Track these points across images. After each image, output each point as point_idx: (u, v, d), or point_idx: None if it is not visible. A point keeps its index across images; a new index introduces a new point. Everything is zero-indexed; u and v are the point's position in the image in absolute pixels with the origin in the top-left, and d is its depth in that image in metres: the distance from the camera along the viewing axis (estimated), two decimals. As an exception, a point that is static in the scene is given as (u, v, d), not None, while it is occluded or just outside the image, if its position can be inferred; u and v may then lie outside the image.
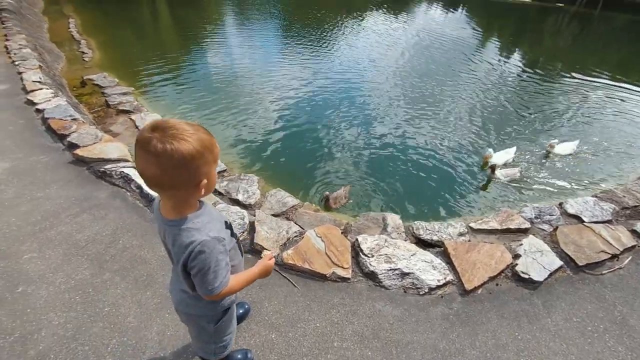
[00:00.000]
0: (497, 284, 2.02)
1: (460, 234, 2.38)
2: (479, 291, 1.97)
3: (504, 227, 2.45)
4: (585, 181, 3.75)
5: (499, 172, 3.62)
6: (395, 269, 2.00)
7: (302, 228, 2.36)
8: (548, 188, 3.60)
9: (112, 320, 1.66)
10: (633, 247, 2.28)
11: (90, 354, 1.51)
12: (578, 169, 3.95)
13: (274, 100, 5.26)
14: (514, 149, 4.04)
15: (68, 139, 3.05)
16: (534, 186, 3.61)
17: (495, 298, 1.94)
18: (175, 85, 5.52)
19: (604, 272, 2.11)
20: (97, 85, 4.86)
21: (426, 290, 1.94)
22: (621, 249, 2.23)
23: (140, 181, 2.57)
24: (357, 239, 2.19)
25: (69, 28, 7.83)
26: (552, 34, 13.49)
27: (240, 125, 4.44)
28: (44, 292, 1.76)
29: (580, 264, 2.11)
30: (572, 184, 3.69)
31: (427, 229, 2.40)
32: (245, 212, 2.39)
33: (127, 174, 2.65)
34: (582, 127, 5.09)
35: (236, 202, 2.60)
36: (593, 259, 2.15)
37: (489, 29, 13.09)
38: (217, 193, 2.67)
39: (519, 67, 8.00)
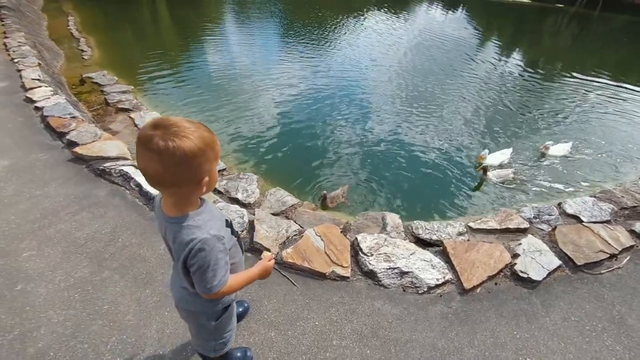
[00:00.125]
0: (496, 283, 2.03)
1: (460, 234, 2.38)
2: (478, 290, 1.98)
3: (503, 227, 2.46)
4: (581, 182, 3.75)
5: (491, 174, 3.61)
6: (395, 268, 2.00)
7: (301, 227, 2.36)
8: (542, 190, 3.59)
9: (111, 318, 1.66)
10: (631, 247, 2.29)
11: (89, 351, 1.51)
12: (574, 170, 3.95)
13: (273, 99, 5.26)
14: (510, 150, 4.02)
15: (67, 136, 3.04)
16: (529, 187, 3.61)
17: (494, 297, 1.94)
18: (174, 84, 5.51)
19: (602, 271, 2.12)
20: (96, 83, 4.85)
21: (425, 289, 1.95)
22: (620, 249, 2.24)
23: (139, 179, 2.57)
24: (356, 238, 2.20)
25: (68, 26, 7.80)
26: (551, 35, 13.51)
27: (239, 124, 4.44)
28: (43, 290, 1.76)
29: (579, 264, 2.12)
30: (568, 185, 3.68)
31: (426, 229, 2.40)
32: (244, 210, 2.39)
33: (126, 172, 2.65)
34: (581, 128, 5.10)
35: (235, 200, 2.60)
36: (592, 258, 2.16)
37: (488, 29, 13.11)
38: (217, 192, 2.67)
39: (519, 67, 8.01)
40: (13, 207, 2.29)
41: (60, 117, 3.33)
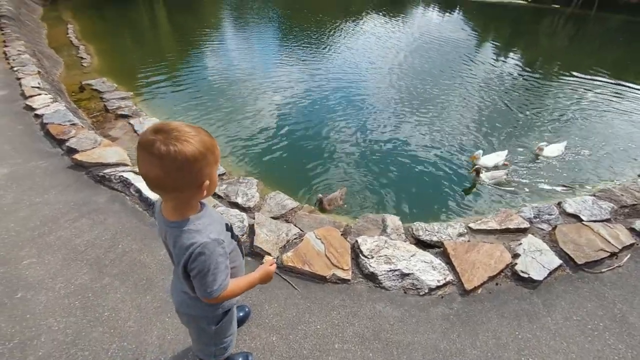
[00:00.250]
0: (496, 284, 2.02)
1: (460, 235, 2.38)
2: (479, 291, 1.97)
3: (503, 227, 2.46)
4: (580, 181, 3.75)
5: (483, 175, 3.60)
6: (395, 270, 2.00)
7: (301, 230, 2.36)
8: (541, 189, 3.59)
9: (112, 324, 1.65)
10: (632, 245, 2.29)
11: (90, 359, 1.51)
12: (571, 170, 3.95)
13: (272, 103, 5.28)
14: (505, 152, 3.99)
15: (67, 143, 3.05)
16: (527, 188, 3.60)
17: (495, 298, 1.94)
18: (174, 90, 5.54)
19: (603, 270, 2.12)
20: (95, 90, 4.87)
21: (426, 291, 1.94)
22: (620, 247, 2.24)
23: (139, 185, 2.58)
24: (356, 241, 2.20)
25: (68, 34, 7.84)
26: (548, 35, 13.58)
27: (239, 129, 4.46)
28: (43, 298, 1.75)
29: (580, 263, 2.12)
30: (567, 184, 3.67)
31: (426, 230, 2.40)
32: (244, 214, 2.39)
33: (126, 178, 2.65)
34: (578, 127, 5.11)
35: (235, 205, 2.60)
36: (592, 257, 2.15)
37: (485, 31, 13.17)
38: (216, 196, 2.67)
39: (516, 68, 8.04)
40: (13, 214, 2.29)
41: (59, 124, 3.34)
